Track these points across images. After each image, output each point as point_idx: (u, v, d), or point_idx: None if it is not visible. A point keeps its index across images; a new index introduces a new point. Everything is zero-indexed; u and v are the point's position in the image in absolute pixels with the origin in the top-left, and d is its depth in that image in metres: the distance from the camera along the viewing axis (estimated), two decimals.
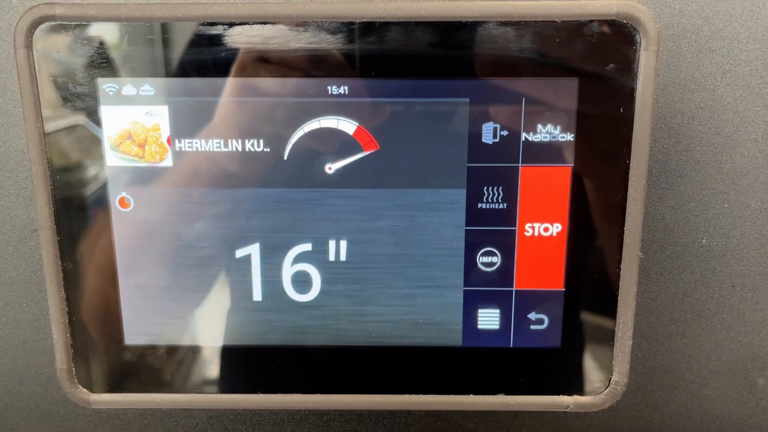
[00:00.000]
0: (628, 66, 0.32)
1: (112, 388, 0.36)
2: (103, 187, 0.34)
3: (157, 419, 0.37)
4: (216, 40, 0.32)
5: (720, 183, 0.34)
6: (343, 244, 0.35)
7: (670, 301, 0.35)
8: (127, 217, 0.34)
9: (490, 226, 0.35)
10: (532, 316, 0.36)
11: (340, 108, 0.33)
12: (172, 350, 0.36)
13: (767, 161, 0.33)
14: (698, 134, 0.33)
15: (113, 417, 0.37)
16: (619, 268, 0.34)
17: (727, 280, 0.35)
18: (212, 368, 0.36)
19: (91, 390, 0.36)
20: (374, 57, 0.32)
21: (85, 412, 0.37)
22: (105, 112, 0.33)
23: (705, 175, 0.33)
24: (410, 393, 0.36)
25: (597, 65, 0.32)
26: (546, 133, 0.33)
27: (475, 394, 0.36)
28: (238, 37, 0.32)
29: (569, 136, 0.33)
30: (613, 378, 0.36)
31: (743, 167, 0.33)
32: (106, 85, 0.33)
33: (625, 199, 0.33)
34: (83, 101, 0.33)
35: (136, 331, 0.36)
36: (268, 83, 0.33)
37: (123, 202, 0.34)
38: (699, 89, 0.32)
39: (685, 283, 0.35)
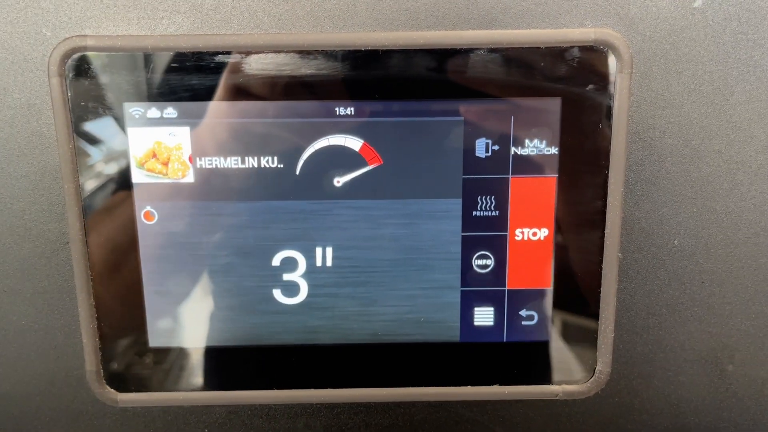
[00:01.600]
0: (605, 86, 0.36)
1: (138, 387, 0.39)
2: (130, 202, 0.37)
3: (180, 416, 0.40)
4: (234, 68, 0.35)
5: (689, 190, 0.37)
6: (351, 250, 0.38)
7: (647, 296, 0.39)
8: (152, 229, 0.37)
9: (483, 232, 0.38)
10: (523, 312, 0.39)
11: (346, 127, 0.36)
12: (193, 351, 0.39)
13: (730, 170, 0.37)
14: (669, 147, 0.37)
15: (138, 415, 0.40)
16: (601, 268, 0.38)
17: (697, 277, 0.39)
18: (230, 367, 0.39)
19: (118, 390, 0.39)
20: (377, 81, 0.35)
21: (113, 410, 0.40)
22: (131, 133, 0.36)
23: (675, 183, 0.37)
24: (413, 386, 0.39)
25: (577, 86, 0.36)
26: (533, 147, 0.37)
27: (472, 385, 0.40)
28: (254, 65, 0.35)
29: (554, 150, 0.37)
30: (597, 368, 0.39)
31: (709, 176, 0.37)
32: (132, 109, 0.36)
33: (604, 206, 0.37)
34: (111, 124, 0.35)
35: (160, 334, 0.39)
36: (281, 106, 0.36)
37: (148, 216, 0.37)
38: (668, 106, 0.36)
39: (659, 281, 0.39)
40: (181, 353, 0.39)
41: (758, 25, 0.35)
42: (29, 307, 0.38)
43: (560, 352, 0.39)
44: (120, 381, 0.39)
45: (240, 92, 0.35)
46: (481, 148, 0.37)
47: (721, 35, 0.35)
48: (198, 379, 0.40)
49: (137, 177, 0.37)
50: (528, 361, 0.40)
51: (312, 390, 0.39)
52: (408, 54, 0.35)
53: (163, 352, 0.39)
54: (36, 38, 0.35)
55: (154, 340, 0.39)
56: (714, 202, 0.37)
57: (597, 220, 0.37)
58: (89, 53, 0.35)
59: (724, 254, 0.38)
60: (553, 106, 0.36)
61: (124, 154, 0.36)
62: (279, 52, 0.35)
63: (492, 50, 0.35)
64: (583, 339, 0.39)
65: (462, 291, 0.39)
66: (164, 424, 0.40)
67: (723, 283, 0.39)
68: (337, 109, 0.36)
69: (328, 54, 0.35)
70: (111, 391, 0.39)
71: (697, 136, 0.37)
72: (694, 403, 0.41)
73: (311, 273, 0.38)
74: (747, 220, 0.38)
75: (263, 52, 0.35)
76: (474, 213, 0.38)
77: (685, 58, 0.35)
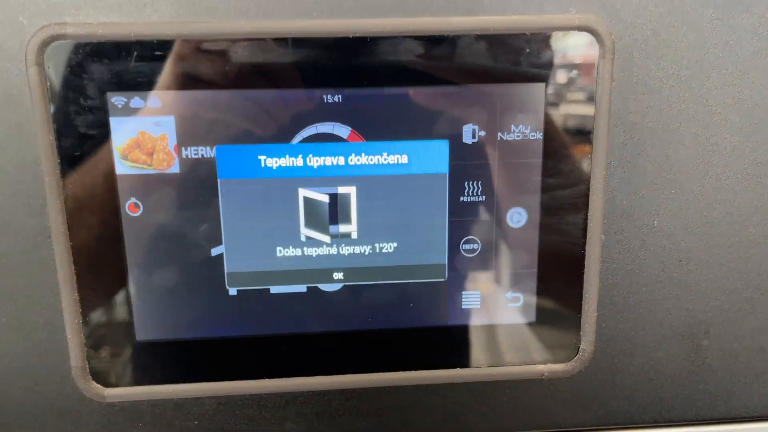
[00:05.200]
0: (588, 72, 0.36)
1: (125, 382, 0.39)
2: (114, 194, 0.36)
3: (168, 409, 0.39)
4: (220, 55, 0.35)
5: (668, 172, 0.38)
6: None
7: (628, 276, 0.40)
8: (137, 220, 0.37)
9: (470, 217, 0.39)
10: (509, 295, 0.40)
11: (334, 114, 0.36)
12: (180, 344, 0.39)
13: (706, 152, 0.38)
14: (648, 130, 0.38)
15: (126, 409, 0.39)
16: (584, 250, 0.39)
17: (675, 256, 0.40)
18: (219, 358, 0.39)
19: (105, 385, 0.38)
20: (366, 68, 0.35)
21: (100, 406, 0.39)
22: (114, 123, 0.35)
23: (655, 166, 0.38)
24: (404, 370, 0.40)
25: (561, 71, 0.36)
26: (518, 132, 0.37)
27: (461, 367, 0.40)
28: (241, 53, 0.34)
29: (538, 135, 0.37)
30: (581, 347, 0.40)
31: (686, 158, 0.38)
32: (115, 99, 0.35)
33: (588, 189, 0.38)
34: (93, 114, 0.35)
35: (147, 328, 0.38)
36: (268, 94, 0.35)
37: (132, 207, 0.36)
38: (648, 91, 0.37)
39: (640, 260, 0.40)
40: (169, 346, 0.39)
41: (733, 11, 0.36)
42: (11, 304, 0.37)
43: (545, 332, 0.40)
44: (107, 376, 0.38)
45: (226, 81, 0.35)
46: (468, 134, 0.37)
47: (699, 21, 0.36)
48: (186, 371, 0.39)
49: (121, 168, 0.36)
50: (514, 342, 0.41)
51: (302, 378, 0.39)
52: (394, 40, 0.35)
53: (150, 346, 0.38)
54: (12, 26, 0.34)
55: (141, 334, 0.38)
56: (691, 183, 0.39)
57: (580, 202, 0.38)
58: (69, 41, 0.34)
59: (700, 234, 0.40)
60: (537, 91, 0.37)
61: (107, 145, 0.35)
62: (265, 39, 0.34)
63: (478, 37, 0.35)
64: (567, 319, 0.40)
65: (450, 275, 0.39)
66: (153, 418, 0.39)
67: (699, 262, 0.40)
68: (324, 96, 0.36)
69: (315, 41, 0.35)
70: (98, 387, 0.38)
71: (675, 120, 0.38)
72: (672, 377, 0.42)
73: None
74: (722, 200, 0.39)
75: (249, 40, 0.34)
76: (461, 198, 0.38)
77: (664, 43, 0.36)
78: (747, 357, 0.42)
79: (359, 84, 0.36)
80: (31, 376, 0.38)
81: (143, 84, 0.34)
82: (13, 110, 0.34)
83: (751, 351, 0.42)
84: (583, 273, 0.39)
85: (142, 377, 0.39)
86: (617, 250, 0.39)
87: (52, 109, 0.34)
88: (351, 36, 0.35)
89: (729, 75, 0.37)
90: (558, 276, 0.40)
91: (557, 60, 0.36)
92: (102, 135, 0.35)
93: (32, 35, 0.33)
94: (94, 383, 0.38)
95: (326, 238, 0.38)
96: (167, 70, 0.34)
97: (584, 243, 0.39)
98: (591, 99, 0.37)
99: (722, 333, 0.42)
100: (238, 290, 0.38)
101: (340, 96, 0.36)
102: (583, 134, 0.37)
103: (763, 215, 0.39)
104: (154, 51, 0.34)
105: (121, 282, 0.37)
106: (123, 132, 0.35)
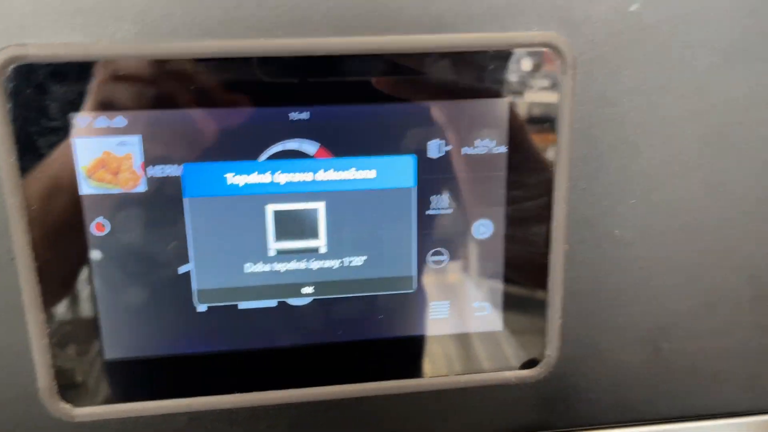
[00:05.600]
0: (550, 87, 0.37)
1: (95, 401, 0.38)
2: (79, 214, 0.36)
3: (139, 426, 0.39)
4: (185, 74, 0.34)
5: (627, 183, 0.39)
6: None
7: (591, 284, 0.41)
8: (104, 240, 0.36)
9: (437, 229, 0.39)
10: (476, 304, 0.41)
11: (301, 131, 0.36)
12: (149, 361, 0.39)
13: (664, 164, 0.39)
14: (609, 142, 0.39)
15: (97, 428, 0.39)
16: (548, 259, 0.40)
17: (636, 264, 0.41)
18: (189, 374, 0.39)
19: (74, 404, 0.38)
20: (332, 86, 0.36)
21: (69, 426, 0.39)
22: (78, 144, 0.35)
23: (616, 177, 0.39)
24: (375, 380, 0.40)
25: (524, 87, 0.37)
26: (483, 146, 0.38)
27: (431, 376, 0.41)
28: (205, 71, 0.34)
29: (502, 149, 0.38)
30: (546, 353, 0.41)
31: (646, 169, 0.39)
32: (78, 119, 0.34)
33: (551, 200, 0.39)
34: (56, 135, 0.34)
35: (115, 346, 0.38)
36: (233, 112, 0.35)
37: (99, 227, 0.36)
38: (609, 105, 0.38)
39: (603, 269, 0.41)
40: (138, 364, 0.38)
41: (689, 27, 0.37)
42: None
43: (512, 339, 0.41)
44: (75, 395, 0.38)
45: (191, 99, 0.35)
46: (434, 148, 0.38)
47: (656, 37, 0.37)
48: (156, 388, 0.39)
49: (86, 188, 0.35)
50: (481, 349, 0.41)
51: (273, 392, 0.40)
52: (360, 58, 0.35)
53: (119, 364, 0.38)
54: None
55: (110, 352, 0.38)
56: (650, 194, 0.40)
57: (544, 213, 0.39)
58: (30, 62, 0.33)
59: (659, 242, 0.41)
60: (500, 107, 0.37)
61: (71, 166, 0.35)
62: (229, 59, 0.34)
63: (443, 54, 0.36)
64: (532, 326, 0.41)
65: (418, 287, 0.40)
66: None
67: (658, 269, 0.41)
68: (290, 114, 0.36)
69: (280, 60, 0.35)
70: (66, 407, 0.38)
71: (633, 133, 0.39)
72: (634, 378, 0.44)
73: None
74: (679, 209, 0.40)
75: (213, 60, 0.34)
76: (427, 212, 0.39)
77: (623, 59, 0.37)
78: (705, 358, 0.44)
79: (326, 101, 0.36)
80: None
81: (107, 104, 0.34)
82: None
83: (709, 352, 0.44)
84: (547, 281, 0.40)
85: (111, 395, 0.39)
86: (580, 259, 0.40)
87: (13, 130, 0.34)
88: (316, 55, 0.35)
89: (686, 89, 0.38)
90: (523, 284, 0.40)
91: (520, 76, 0.37)
92: (65, 155, 0.35)
93: None
94: (63, 403, 0.38)
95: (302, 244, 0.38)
96: (131, 89, 0.34)
97: (548, 252, 0.40)
98: (553, 113, 0.37)
99: (681, 336, 0.43)
100: (207, 307, 0.38)
101: (307, 113, 0.36)
102: (545, 147, 0.38)
103: (718, 224, 0.41)
104: (117, 71, 0.34)
105: (89, 301, 0.37)
106: (87, 152, 0.35)
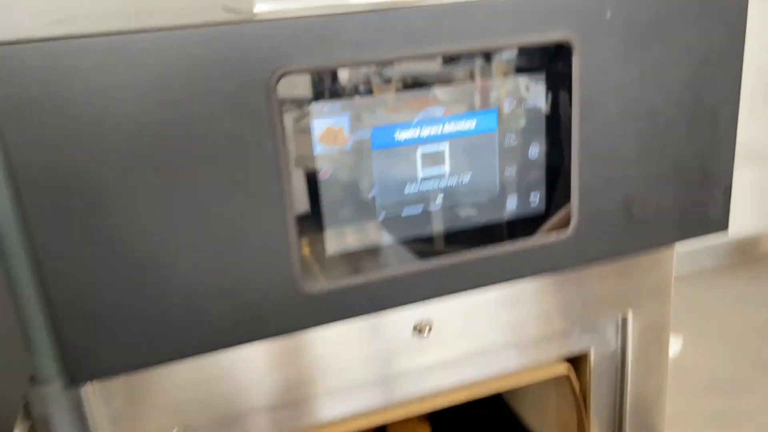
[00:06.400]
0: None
1: (324, 281, 0.63)
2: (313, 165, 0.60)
3: (354, 291, 0.64)
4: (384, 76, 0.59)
5: None
6: None
7: None
8: (327, 181, 0.61)
9: (509, 155, 0.66)
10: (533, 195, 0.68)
11: (435, 101, 0.62)
12: (350, 255, 0.63)
13: None
14: None
15: (325, 298, 0.64)
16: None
17: None
18: (381, 256, 0.64)
19: (312, 283, 0.63)
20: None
21: (308, 296, 0.63)
22: (315, 123, 0.59)
23: None
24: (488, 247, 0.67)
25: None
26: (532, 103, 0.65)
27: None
28: (395, 72, 0.59)
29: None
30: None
31: None
32: (315, 107, 0.58)
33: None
34: (303, 119, 0.58)
35: (333, 243, 0.63)
36: (402, 95, 0.61)
37: (324, 174, 0.61)
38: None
39: None
40: (345, 256, 0.63)
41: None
42: None
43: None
44: (313, 277, 0.62)
45: (378, 91, 0.60)
46: (507, 106, 0.65)
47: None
48: (356, 269, 0.64)
49: (318, 149, 0.60)
50: None
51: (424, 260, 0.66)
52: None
53: (336, 257, 0.63)
54: None
55: (329, 249, 0.63)
56: None
57: (566, 141, 0.67)
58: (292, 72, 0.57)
59: None
60: (538, 80, 0.64)
61: (308, 135, 0.59)
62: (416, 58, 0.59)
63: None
64: None
65: (498, 191, 0.67)
66: None
67: None
68: (430, 93, 0.62)
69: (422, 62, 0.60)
70: (308, 284, 0.62)
71: None
72: None
73: None
74: None
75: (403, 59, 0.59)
76: (504, 146, 0.66)
77: None
78: None
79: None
80: None
81: (332, 95, 0.59)
82: None
83: None
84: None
85: (335, 276, 0.63)
86: None
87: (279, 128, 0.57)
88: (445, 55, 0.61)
89: None
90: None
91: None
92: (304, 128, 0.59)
93: None
94: (305, 282, 0.62)
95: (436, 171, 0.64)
96: (350, 86, 0.59)
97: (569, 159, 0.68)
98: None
99: None
100: (384, 214, 0.64)
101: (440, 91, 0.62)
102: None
103: None
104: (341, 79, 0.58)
105: (317, 215, 0.61)
106: (318, 127, 0.59)
